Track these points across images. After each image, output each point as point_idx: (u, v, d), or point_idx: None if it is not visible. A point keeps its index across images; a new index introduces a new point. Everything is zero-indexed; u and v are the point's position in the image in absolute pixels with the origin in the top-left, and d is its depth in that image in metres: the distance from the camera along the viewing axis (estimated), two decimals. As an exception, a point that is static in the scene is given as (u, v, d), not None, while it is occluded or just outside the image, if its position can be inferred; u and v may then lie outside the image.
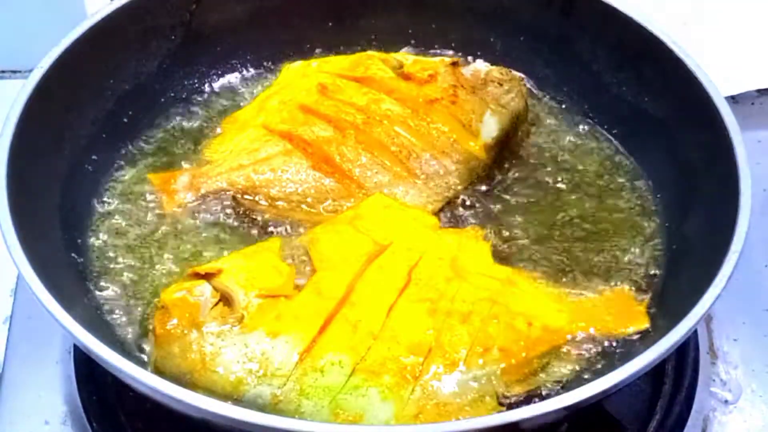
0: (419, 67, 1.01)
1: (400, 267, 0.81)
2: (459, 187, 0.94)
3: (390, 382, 0.73)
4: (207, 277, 0.79)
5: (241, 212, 0.92)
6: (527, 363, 0.77)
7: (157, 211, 0.92)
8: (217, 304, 0.77)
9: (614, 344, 0.81)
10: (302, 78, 1.01)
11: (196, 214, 0.92)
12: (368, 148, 0.92)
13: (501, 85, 0.99)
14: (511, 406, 0.75)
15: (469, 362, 0.75)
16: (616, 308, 0.83)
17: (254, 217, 0.91)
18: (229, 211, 0.92)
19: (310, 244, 0.83)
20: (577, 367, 0.79)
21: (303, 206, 0.91)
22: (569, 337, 0.80)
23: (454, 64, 1.01)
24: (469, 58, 1.09)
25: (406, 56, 1.04)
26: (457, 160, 0.94)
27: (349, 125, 0.93)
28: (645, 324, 0.81)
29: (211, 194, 0.92)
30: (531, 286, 0.83)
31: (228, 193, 0.92)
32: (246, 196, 0.92)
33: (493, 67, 1.01)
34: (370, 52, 1.05)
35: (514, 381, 0.76)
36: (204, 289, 0.78)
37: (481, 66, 1.01)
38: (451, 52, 1.12)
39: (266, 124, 0.96)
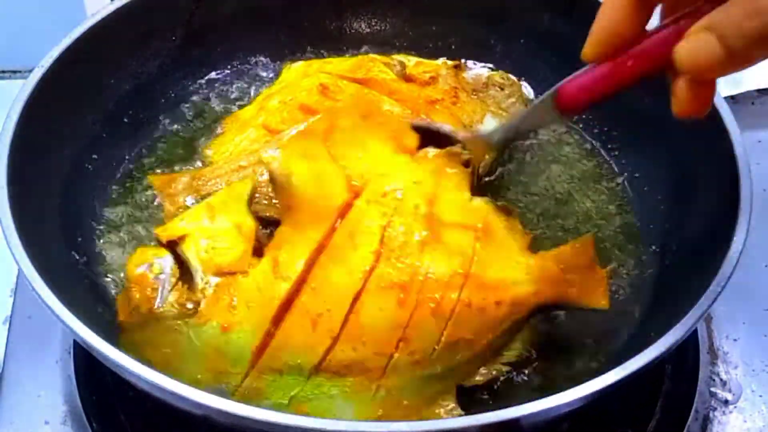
0: (421, 69, 1.01)
1: (372, 230, 0.75)
2: None
3: (353, 382, 0.71)
4: (171, 245, 0.76)
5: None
6: (489, 346, 0.75)
7: (158, 211, 0.93)
8: (177, 283, 0.74)
9: (606, 342, 0.81)
10: (303, 78, 1.01)
11: None
12: None
13: (502, 89, 0.99)
14: (467, 405, 0.74)
15: (436, 359, 0.73)
16: (581, 278, 0.80)
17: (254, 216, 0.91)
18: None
19: (282, 178, 0.78)
20: (529, 346, 0.79)
21: None
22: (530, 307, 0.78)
23: (456, 66, 1.01)
24: (470, 62, 1.09)
25: (408, 58, 1.04)
26: None
27: None
28: (605, 305, 0.80)
29: (211, 196, 0.92)
30: (505, 237, 0.79)
31: None
32: None
33: (495, 72, 1.02)
34: (371, 55, 1.06)
35: (475, 369, 0.75)
36: (165, 263, 0.75)
37: (482, 70, 1.02)
38: (451, 55, 1.12)
39: (266, 123, 0.96)
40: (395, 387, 0.72)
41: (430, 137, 0.84)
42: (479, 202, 0.81)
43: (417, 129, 0.85)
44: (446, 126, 0.87)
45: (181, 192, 0.93)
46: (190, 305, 0.73)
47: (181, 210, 0.91)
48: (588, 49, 0.60)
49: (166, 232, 0.76)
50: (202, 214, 0.79)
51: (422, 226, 0.76)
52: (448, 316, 0.73)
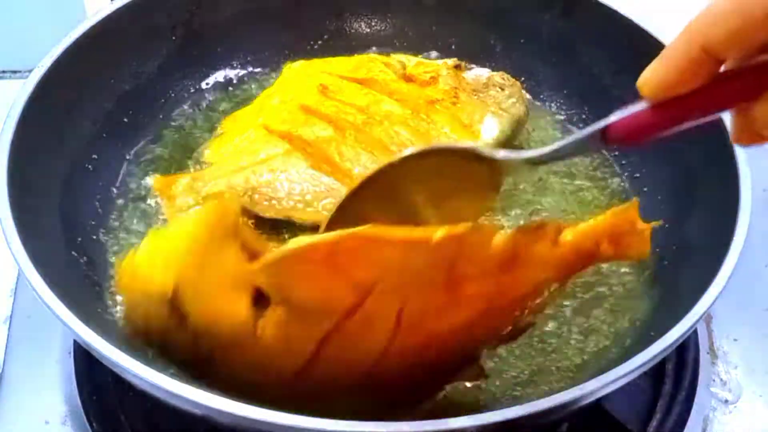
0: (422, 69, 1.01)
1: (387, 315, 0.68)
2: None
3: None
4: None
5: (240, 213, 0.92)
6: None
7: (158, 211, 0.93)
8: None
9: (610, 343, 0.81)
10: (304, 78, 1.01)
11: None
12: (368, 147, 0.93)
13: (503, 89, 0.99)
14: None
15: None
16: (619, 239, 0.73)
17: (253, 217, 0.91)
18: (228, 212, 0.92)
19: (279, 296, 0.66)
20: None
21: (301, 205, 0.91)
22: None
23: (457, 66, 1.02)
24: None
25: (408, 58, 1.05)
26: None
27: (349, 125, 0.94)
28: (644, 256, 0.73)
29: (210, 197, 0.92)
30: (534, 250, 0.71)
31: (229, 194, 0.92)
32: (245, 197, 0.92)
33: (495, 73, 1.02)
34: (372, 55, 1.06)
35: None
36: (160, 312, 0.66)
37: (482, 71, 1.02)
38: (451, 55, 1.12)
39: (266, 124, 0.96)
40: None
41: (455, 158, 0.75)
42: (504, 236, 0.70)
43: (442, 152, 0.75)
44: (479, 146, 0.78)
45: (181, 193, 0.93)
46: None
47: (182, 212, 0.92)
48: (646, 88, 0.59)
49: (145, 285, 0.63)
50: (188, 258, 0.64)
51: (441, 294, 0.69)
52: (464, 344, 0.72)
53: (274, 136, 0.94)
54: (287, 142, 0.93)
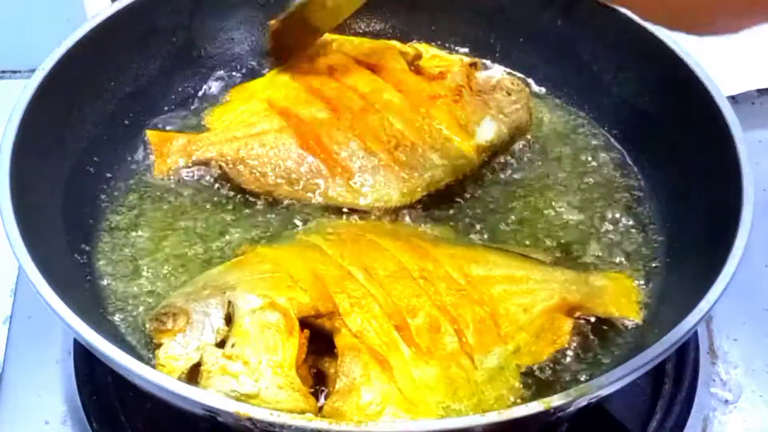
0: (434, 62, 1.02)
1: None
2: (443, 183, 0.94)
3: None
4: None
5: (226, 183, 0.94)
6: None
7: (159, 213, 0.93)
8: None
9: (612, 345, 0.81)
10: (318, 56, 1.03)
11: (188, 181, 0.94)
12: (359, 134, 0.94)
13: (509, 94, 0.99)
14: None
15: None
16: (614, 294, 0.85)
17: (238, 189, 0.94)
18: (215, 181, 0.95)
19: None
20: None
21: (282, 181, 0.93)
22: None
23: (472, 65, 1.01)
24: (487, 62, 1.09)
25: (427, 49, 1.05)
26: (444, 156, 0.94)
27: (347, 110, 0.95)
28: (637, 318, 0.83)
29: (200, 163, 0.95)
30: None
31: (217, 162, 0.94)
32: (232, 167, 0.94)
33: (507, 77, 1.01)
34: (392, 42, 1.06)
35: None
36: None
37: (495, 73, 1.02)
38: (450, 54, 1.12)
39: (270, 98, 0.98)
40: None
41: None
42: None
43: None
44: None
45: (173, 153, 0.95)
46: None
47: (171, 171, 0.94)
48: None
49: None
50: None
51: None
52: None
53: (273, 112, 0.96)
54: (284, 119, 0.95)
